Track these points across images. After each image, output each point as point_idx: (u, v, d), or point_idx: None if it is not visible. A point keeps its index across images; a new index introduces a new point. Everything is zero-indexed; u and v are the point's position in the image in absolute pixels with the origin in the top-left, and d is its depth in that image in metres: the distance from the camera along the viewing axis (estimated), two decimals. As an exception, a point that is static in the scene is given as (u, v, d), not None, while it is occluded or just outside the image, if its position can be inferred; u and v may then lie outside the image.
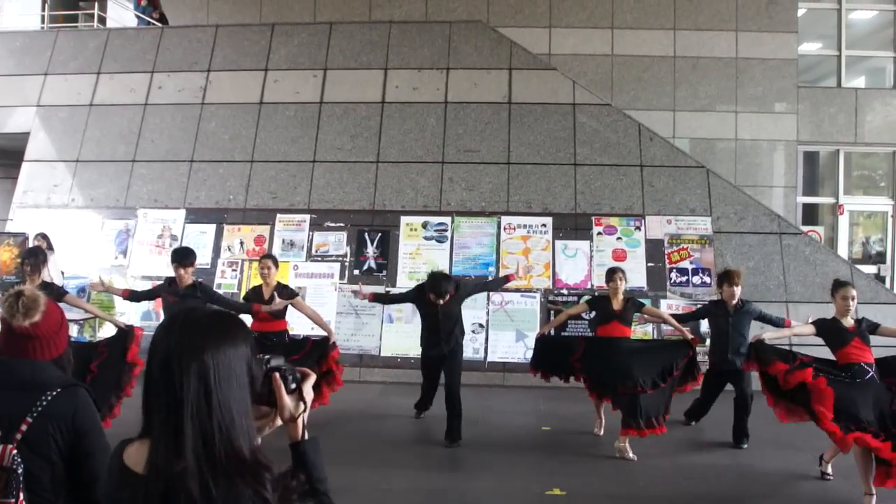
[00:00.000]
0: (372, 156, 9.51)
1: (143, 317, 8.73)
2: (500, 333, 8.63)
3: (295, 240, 9.20)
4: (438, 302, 6.20)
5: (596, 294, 7.89)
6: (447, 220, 9.14)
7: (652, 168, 9.23)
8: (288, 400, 1.42)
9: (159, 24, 11.44)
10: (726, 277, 6.35)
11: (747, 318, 6.31)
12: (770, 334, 5.76)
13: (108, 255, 9.41)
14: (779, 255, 8.87)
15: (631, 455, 5.78)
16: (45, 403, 1.90)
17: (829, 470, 5.40)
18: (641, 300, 6.91)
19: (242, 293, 7.83)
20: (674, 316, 6.76)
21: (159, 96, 10.14)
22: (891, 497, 4.82)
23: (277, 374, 1.42)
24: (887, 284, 11.46)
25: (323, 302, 8.65)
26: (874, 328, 5.32)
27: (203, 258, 8.80)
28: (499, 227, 9.07)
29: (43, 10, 13.08)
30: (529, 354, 7.20)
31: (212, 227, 9.38)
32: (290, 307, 6.48)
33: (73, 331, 7.92)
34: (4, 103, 10.45)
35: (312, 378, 1.48)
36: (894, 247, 12.07)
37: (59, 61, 10.54)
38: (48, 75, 10.49)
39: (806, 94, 11.90)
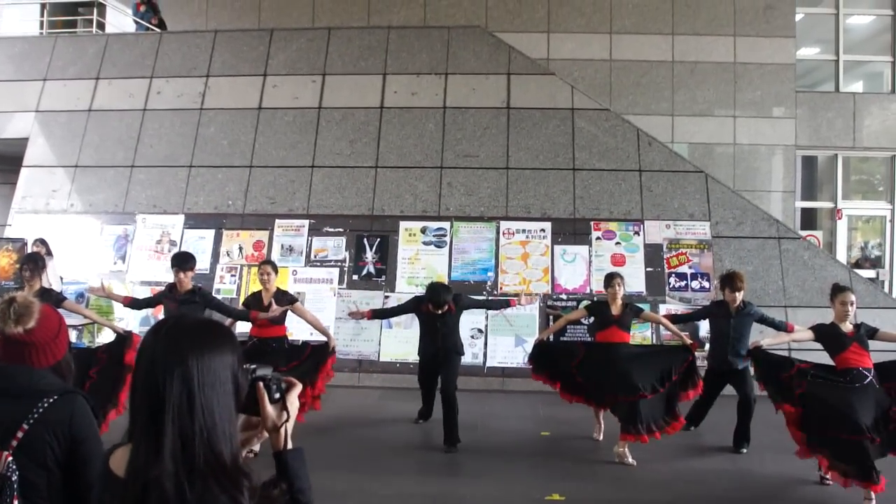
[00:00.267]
0: (371, 161, 9.52)
1: (142, 322, 8.71)
2: (499, 338, 8.62)
3: (294, 245, 9.20)
4: (436, 312, 6.22)
5: (595, 299, 7.89)
6: (446, 225, 9.14)
7: (650, 173, 9.24)
8: (271, 409, 1.44)
9: (158, 30, 11.46)
10: (729, 282, 6.28)
11: (749, 320, 6.28)
12: (769, 340, 5.76)
13: (106, 260, 9.40)
14: (777, 259, 8.87)
15: (630, 460, 5.77)
16: (41, 410, 1.90)
17: (829, 475, 5.38)
18: (640, 305, 6.91)
19: (241, 299, 7.83)
20: (674, 315, 6.76)
21: (158, 102, 10.15)
22: (890, 501, 4.81)
23: (261, 384, 1.43)
24: (886, 289, 11.47)
25: (322, 307, 8.64)
26: (873, 333, 5.32)
27: (202, 263, 8.78)
28: (498, 232, 9.07)
29: (42, 15, 13.07)
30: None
31: (210, 233, 9.38)
32: (289, 313, 6.47)
33: (72, 336, 7.91)
34: (3, 109, 10.45)
35: (298, 388, 1.48)
36: (893, 251, 12.08)
37: (57, 67, 10.55)
38: (47, 81, 10.49)
39: (804, 99, 11.92)
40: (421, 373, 6.83)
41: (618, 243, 8.96)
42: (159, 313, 7.27)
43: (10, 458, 1.84)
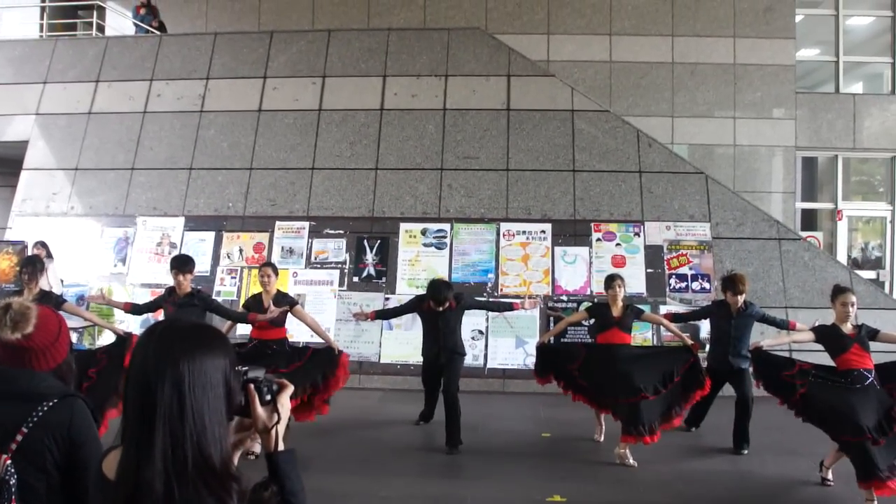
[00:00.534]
0: (371, 163, 9.52)
1: (143, 324, 8.68)
2: (500, 340, 8.61)
3: (294, 247, 9.20)
4: (438, 309, 6.21)
5: (595, 301, 7.88)
6: (446, 226, 9.14)
7: (651, 174, 9.24)
8: (261, 411, 1.44)
9: (158, 33, 11.47)
10: (731, 284, 6.22)
11: (750, 320, 6.27)
12: (769, 341, 5.74)
13: (107, 263, 9.40)
14: (778, 260, 8.87)
15: (631, 461, 5.77)
16: (41, 414, 1.89)
17: (830, 476, 5.38)
18: (641, 306, 6.90)
19: (242, 301, 7.82)
20: (675, 314, 6.74)
21: (158, 104, 10.16)
22: (891, 501, 4.80)
23: (251, 386, 1.43)
24: (886, 290, 11.46)
25: (322, 309, 8.64)
26: (874, 334, 5.30)
27: (202, 266, 8.80)
28: (498, 234, 9.07)
29: (42, 18, 13.09)
30: (529, 361, 7.18)
31: (211, 235, 9.38)
32: (289, 315, 6.45)
33: (73, 338, 7.90)
34: (3, 112, 10.46)
35: (290, 390, 1.48)
36: (893, 252, 12.07)
37: (57, 69, 10.56)
38: (47, 83, 10.50)
39: (804, 100, 11.92)
40: (424, 373, 6.82)
41: (618, 245, 8.96)
42: (160, 317, 7.26)
43: (9, 462, 1.84)
